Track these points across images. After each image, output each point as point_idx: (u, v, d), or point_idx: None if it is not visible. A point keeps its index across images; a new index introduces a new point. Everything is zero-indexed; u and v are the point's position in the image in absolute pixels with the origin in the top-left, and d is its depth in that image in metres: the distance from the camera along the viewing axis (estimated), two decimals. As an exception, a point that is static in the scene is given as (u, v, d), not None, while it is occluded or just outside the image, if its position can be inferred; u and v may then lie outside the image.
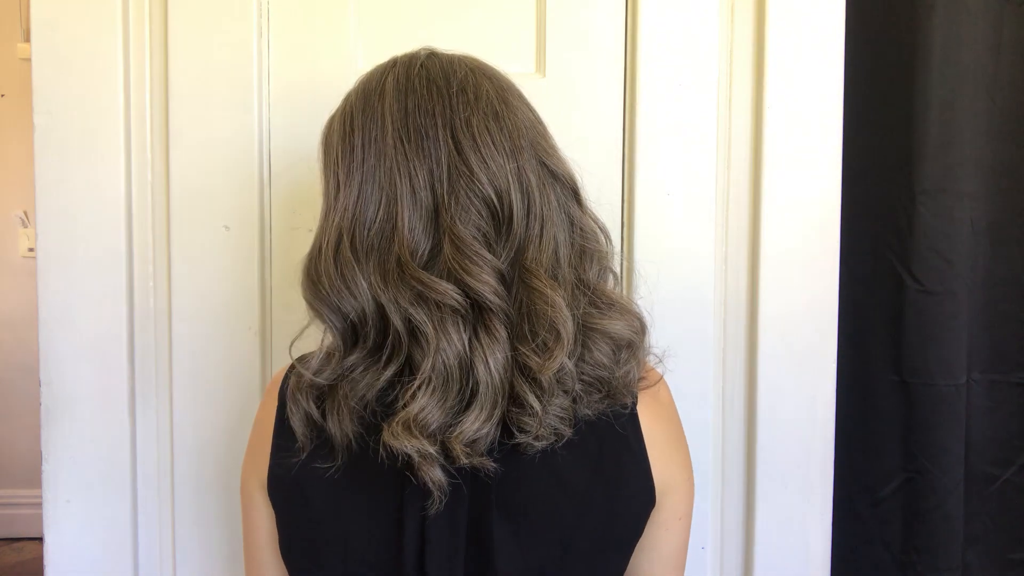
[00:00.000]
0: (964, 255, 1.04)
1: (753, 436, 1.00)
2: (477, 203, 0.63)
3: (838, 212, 0.99)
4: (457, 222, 0.62)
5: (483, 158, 0.63)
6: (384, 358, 0.63)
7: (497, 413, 0.61)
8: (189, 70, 0.97)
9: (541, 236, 0.64)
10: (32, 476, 2.81)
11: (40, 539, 1.00)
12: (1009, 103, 1.05)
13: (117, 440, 0.99)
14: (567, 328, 0.61)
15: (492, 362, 0.60)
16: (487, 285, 0.61)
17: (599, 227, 0.70)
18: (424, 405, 0.59)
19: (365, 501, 0.64)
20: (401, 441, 0.59)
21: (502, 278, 0.62)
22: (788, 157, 0.98)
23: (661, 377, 0.74)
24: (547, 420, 0.61)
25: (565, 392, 0.62)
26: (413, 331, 0.61)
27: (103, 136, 0.97)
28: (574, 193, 0.68)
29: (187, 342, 0.98)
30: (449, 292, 0.61)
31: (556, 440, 0.62)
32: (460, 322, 0.61)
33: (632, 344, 0.66)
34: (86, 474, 0.99)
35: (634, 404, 0.68)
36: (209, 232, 0.98)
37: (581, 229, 0.67)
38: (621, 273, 1.00)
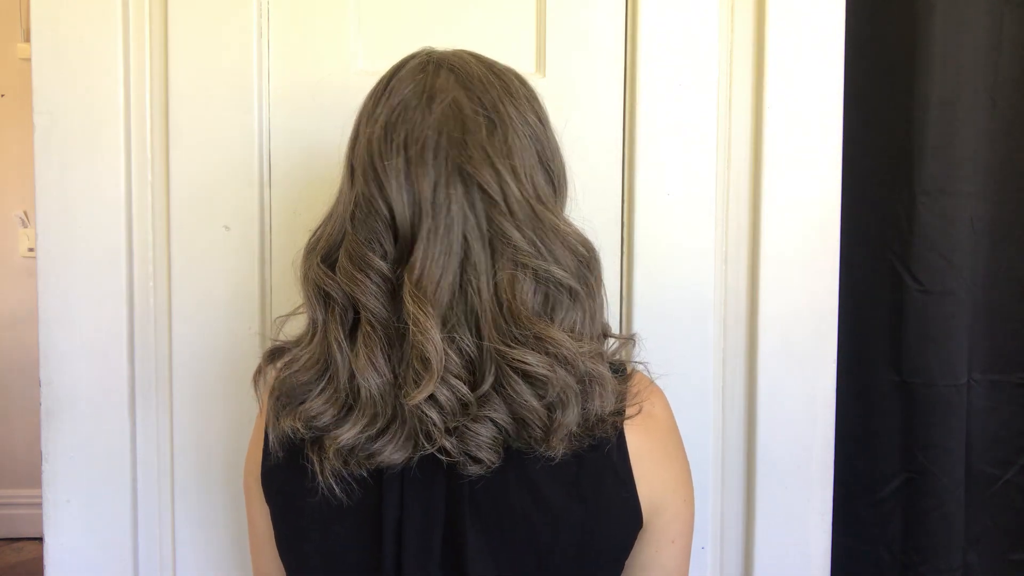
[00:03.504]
0: (964, 255, 1.04)
1: (753, 436, 1.00)
2: (372, 203, 0.61)
3: (838, 212, 0.99)
4: (355, 222, 0.61)
5: (378, 155, 0.61)
6: (306, 342, 0.64)
7: (380, 426, 0.59)
8: (189, 70, 0.97)
9: (428, 247, 0.58)
10: (32, 476, 2.80)
11: (40, 539, 1.00)
12: (1009, 103, 1.05)
13: (117, 440, 0.99)
14: (437, 356, 0.57)
15: (368, 374, 0.59)
16: (361, 286, 0.59)
17: (572, 246, 0.61)
18: (315, 403, 0.61)
19: (349, 504, 0.64)
20: (284, 423, 0.61)
21: (393, 288, 0.60)
22: (788, 157, 0.98)
23: (653, 387, 0.69)
24: (465, 447, 0.58)
25: (491, 421, 0.58)
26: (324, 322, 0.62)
27: (103, 136, 0.97)
28: (496, 203, 0.60)
29: (187, 342, 0.98)
30: (333, 284, 0.60)
31: (488, 467, 0.59)
32: (341, 319, 0.61)
33: (563, 388, 0.58)
34: (86, 474, 0.99)
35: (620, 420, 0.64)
36: (209, 232, 0.98)
37: (514, 247, 0.59)
38: (621, 272, 1.00)
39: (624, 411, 0.63)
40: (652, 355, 0.99)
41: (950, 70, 1.02)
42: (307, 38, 0.98)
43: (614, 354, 0.69)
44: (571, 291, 0.61)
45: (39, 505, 0.99)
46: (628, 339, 0.70)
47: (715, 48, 0.98)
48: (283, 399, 0.63)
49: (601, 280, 0.65)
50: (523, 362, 0.57)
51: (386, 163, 0.60)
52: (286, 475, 0.66)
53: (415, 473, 0.62)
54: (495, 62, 0.68)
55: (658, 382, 0.96)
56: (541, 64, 0.98)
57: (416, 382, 0.57)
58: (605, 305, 0.67)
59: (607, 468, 0.63)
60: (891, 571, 1.08)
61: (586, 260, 0.62)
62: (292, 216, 0.99)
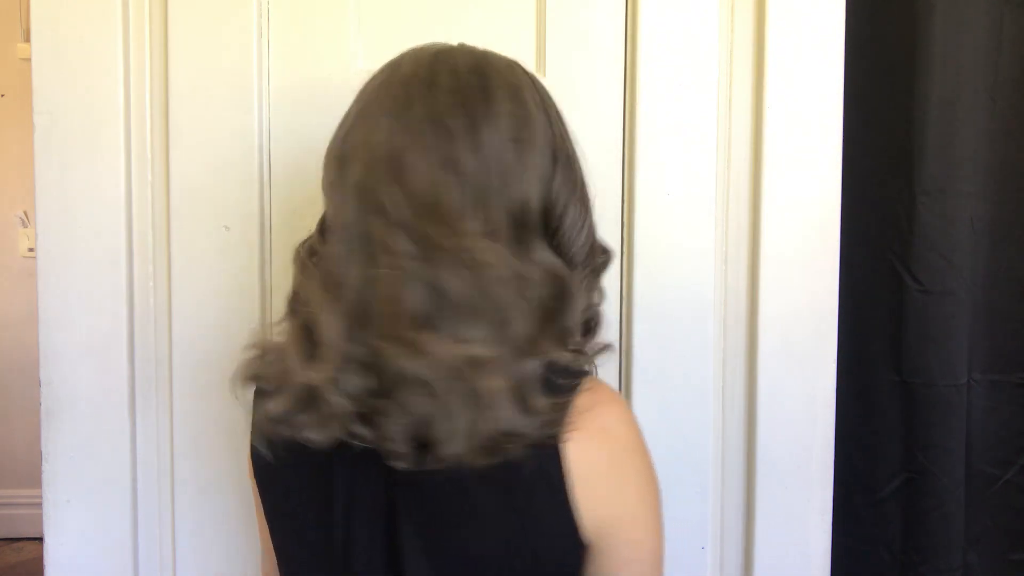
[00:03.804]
0: (964, 255, 1.04)
1: (753, 436, 1.00)
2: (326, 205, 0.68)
3: (838, 212, 0.99)
4: (323, 220, 0.69)
5: (323, 162, 0.68)
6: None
7: (301, 403, 0.61)
8: (189, 70, 0.97)
9: (336, 247, 0.62)
10: (32, 476, 2.80)
11: (40, 539, 1.00)
12: (1009, 103, 1.05)
13: (117, 440, 0.99)
14: (334, 341, 0.58)
15: (291, 350, 0.62)
16: (304, 270, 0.66)
17: (470, 260, 0.59)
18: (268, 370, 0.66)
19: (307, 485, 0.66)
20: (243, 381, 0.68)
21: None
22: (788, 157, 0.98)
23: (611, 401, 0.64)
24: (380, 437, 0.58)
25: (394, 415, 0.58)
26: None
27: (103, 136, 0.97)
28: (383, 212, 0.60)
29: (187, 342, 0.98)
30: (295, 267, 0.68)
31: (409, 461, 0.59)
32: (293, 299, 0.67)
33: (442, 394, 0.56)
34: (86, 474, 0.99)
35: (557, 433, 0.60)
36: (209, 232, 0.98)
37: (398, 255, 0.59)
38: (621, 273, 1.00)
39: (559, 429, 0.59)
40: (652, 355, 0.99)
41: (950, 70, 1.02)
42: (307, 38, 0.98)
43: (582, 363, 0.66)
44: (463, 303, 0.58)
45: (39, 505, 0.99)
46: (583, 355, 0.66)
47: (715, 48, 0.98)
48: (256, 360, 0.68)
49: (525, 294, 0.60)
50: (401, 361, 0.57)
51: (322, 170, 0.66)
52: (257, 443, 0.69)
53: (361, 460, 0.62)
54: (459, 61, 0.64)
55: (659, 382, 0.96)
56: (541, 64, 0.98)
57: (319, 366, 0.60)
58: (555, 320, 0.62)
59: (541, 481, 0.60)
60: (891, 571, 1.08)
61: (496, 275, 0.59)
62: (292, 216, 0.99)
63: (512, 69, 0.66)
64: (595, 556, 0.63)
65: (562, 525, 0.61)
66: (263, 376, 0.66)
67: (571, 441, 0.60)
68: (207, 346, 0.98)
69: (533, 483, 0.60)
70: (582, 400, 0.61)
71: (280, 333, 0.66)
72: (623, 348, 1.00)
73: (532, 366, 0.59)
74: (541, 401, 0.58)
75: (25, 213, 2.81)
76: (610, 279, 0.99)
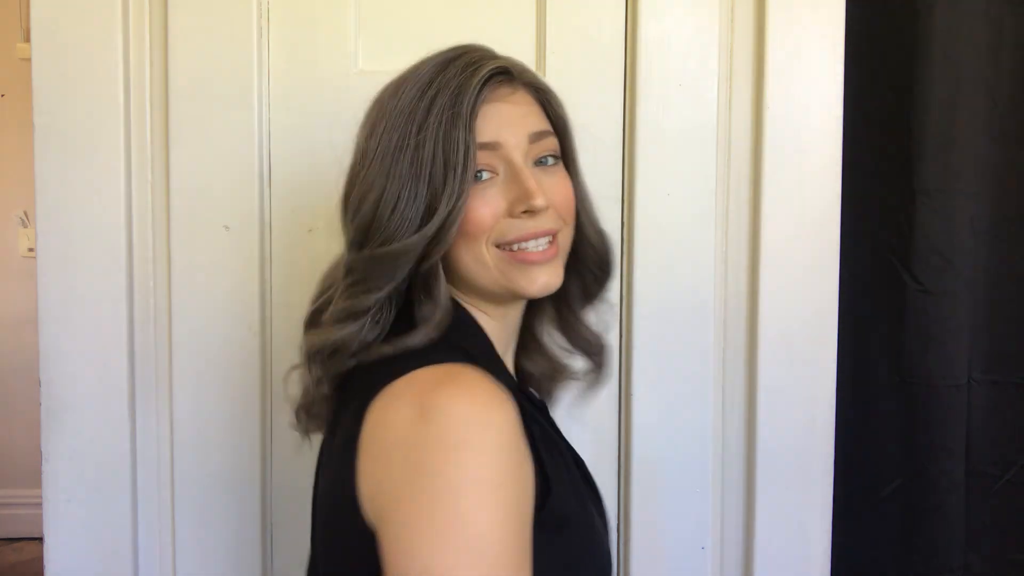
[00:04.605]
0: (964, 255, 1.04)
1: (753, 436, 1.00)
2: None
3: (838, 212, 0.99)
4: None
5: None
6: None
7: None
8: (189, 70, 0.97)
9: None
10: (32, 476, 2.79)
11: (40, 539, 1.00)
12: (1009, 103, 1.05)
13: (117, 440, 0.99)
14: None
15: None
16: None
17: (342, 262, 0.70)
18: None
19: None
20: None
21: None
22: (788, 157, 0.98)
23: (463, 389, 0.56)
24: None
25: None
26: None
27: (103, 136, 0.97)
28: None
29: (187, 342, 0.98)
30: None
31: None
32: None
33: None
34: (86, 474, 0.99)
35: (369, 396, 0.57)
36: (209, 232, 0.98)
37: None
38: (622, 273, 1.00)
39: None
40: (652, 355, 0.99)
41: (950, 70, 1.02)
42: (307, 38, 0.98)
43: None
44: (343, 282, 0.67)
45: (39, 505, 0.99)
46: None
47: (715, 48, 0.98)
48: None
49: (346, 281, 0.65)
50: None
51: None
52: None
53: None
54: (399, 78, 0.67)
55: (659, 382, 0.95)
56: (541, 64, 0.98)
57: None
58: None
59: (351, 435, 0.57)
60: (891, 571, 1.08)
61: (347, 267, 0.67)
62: (292, 216, 0.99)
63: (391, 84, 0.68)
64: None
65: (348, 490, 0.56)
66: None
67: (381, 407, 0.56)
68: (207, 346, 0.98)
69: (348, 437, 0.58)
70: (425, 372, 0.58)
71: None
72: (623, 348, 1.01)
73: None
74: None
75: (25, 213, 2.81)
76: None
